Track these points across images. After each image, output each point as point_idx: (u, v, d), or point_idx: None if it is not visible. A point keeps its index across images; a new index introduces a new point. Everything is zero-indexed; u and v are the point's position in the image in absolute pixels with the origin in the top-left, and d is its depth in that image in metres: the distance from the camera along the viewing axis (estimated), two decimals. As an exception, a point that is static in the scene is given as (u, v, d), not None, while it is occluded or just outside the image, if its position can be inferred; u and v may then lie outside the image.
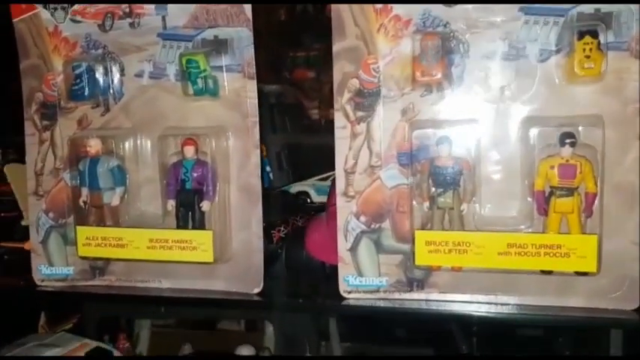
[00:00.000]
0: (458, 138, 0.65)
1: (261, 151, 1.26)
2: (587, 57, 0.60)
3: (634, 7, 0.60)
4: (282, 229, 0.80)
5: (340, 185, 0.69)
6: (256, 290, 0.73)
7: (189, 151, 0.71)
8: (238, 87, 0.71)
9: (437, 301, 0.68)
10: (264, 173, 1.27)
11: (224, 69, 0.72)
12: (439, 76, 0.64)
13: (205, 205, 0.71)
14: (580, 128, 0.62)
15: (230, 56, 0.71)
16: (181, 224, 0.73)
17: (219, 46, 0.71)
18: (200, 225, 0.72)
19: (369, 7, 0.67)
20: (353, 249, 0.70)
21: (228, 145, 0.73)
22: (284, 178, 1.27)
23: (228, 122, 0.72)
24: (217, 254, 0.72)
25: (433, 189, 0.65)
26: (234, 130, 0.72)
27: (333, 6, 0.67)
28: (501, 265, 0.63)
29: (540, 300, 0.65)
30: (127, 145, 0.77)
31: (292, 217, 0.84)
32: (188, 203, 0.72)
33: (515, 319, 0.66)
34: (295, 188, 1.14)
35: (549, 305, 0.65)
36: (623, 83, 0.61)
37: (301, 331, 0.91)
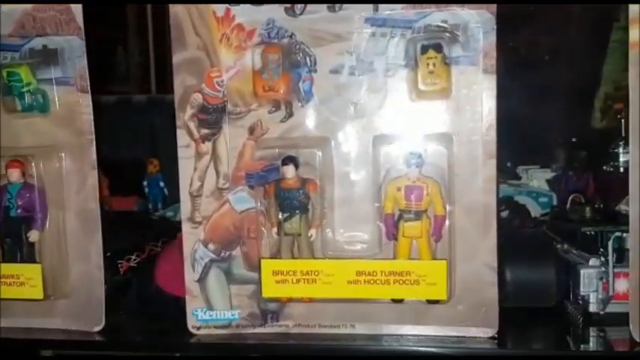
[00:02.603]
0: (307, 158, 0.60)
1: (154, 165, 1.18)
2: (431, 72, 0.56)
3: (481, 18, 0.57)
4: (134, 257, 0.72)
5: (185, 210, 0.63)
6: (97, 328, 0.65)
7: (14, 175, 0.64)
8: (71, 101, 0.64)
9: (293, 334, 0.63)
10: (157, 189, 1.19)
11: (54, 82, 0.64)
12: (282, 91, 0.59)
13: (33, 235, 0.64)
14: (428, 147, 0.58)
15: (61, 68, 0.64)
16: (8, 257, 0.64)
17: (48, 56, 0.64)
18: (29, 257, 0.64)
19: (210, 15, 0.61)
20: (202, 280, 0.63)
21: (62, 167, 0.65)
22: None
23: (60, 141, 0.65)
24: (50, 290, 0.65)
25: (280, 214, 0.60)
26: (67, 150, 0.65)
27: (172, 14, 0.61)
28: (351, 295, 0.59)
29: (398, 329, 0.61)
30: (-51, 167, 0.68)
31: (151, 242, 0.77)
32: (14, 233, 0.64)
33: (373, 351, 0.61)
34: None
35: (407, 334, 0.61)
36: (473, 99, 0.58)
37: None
